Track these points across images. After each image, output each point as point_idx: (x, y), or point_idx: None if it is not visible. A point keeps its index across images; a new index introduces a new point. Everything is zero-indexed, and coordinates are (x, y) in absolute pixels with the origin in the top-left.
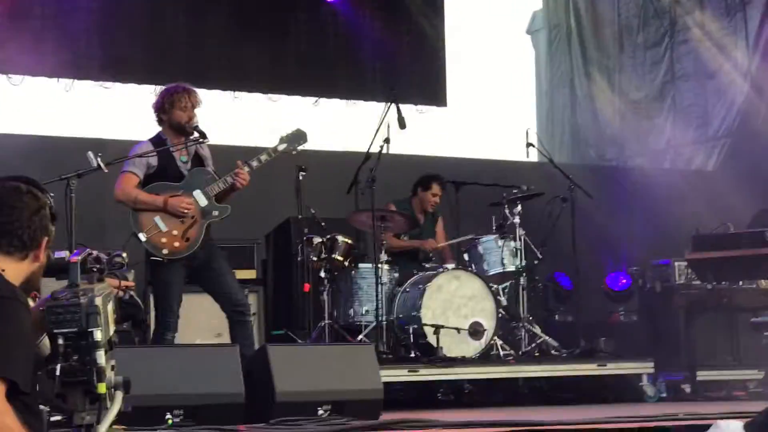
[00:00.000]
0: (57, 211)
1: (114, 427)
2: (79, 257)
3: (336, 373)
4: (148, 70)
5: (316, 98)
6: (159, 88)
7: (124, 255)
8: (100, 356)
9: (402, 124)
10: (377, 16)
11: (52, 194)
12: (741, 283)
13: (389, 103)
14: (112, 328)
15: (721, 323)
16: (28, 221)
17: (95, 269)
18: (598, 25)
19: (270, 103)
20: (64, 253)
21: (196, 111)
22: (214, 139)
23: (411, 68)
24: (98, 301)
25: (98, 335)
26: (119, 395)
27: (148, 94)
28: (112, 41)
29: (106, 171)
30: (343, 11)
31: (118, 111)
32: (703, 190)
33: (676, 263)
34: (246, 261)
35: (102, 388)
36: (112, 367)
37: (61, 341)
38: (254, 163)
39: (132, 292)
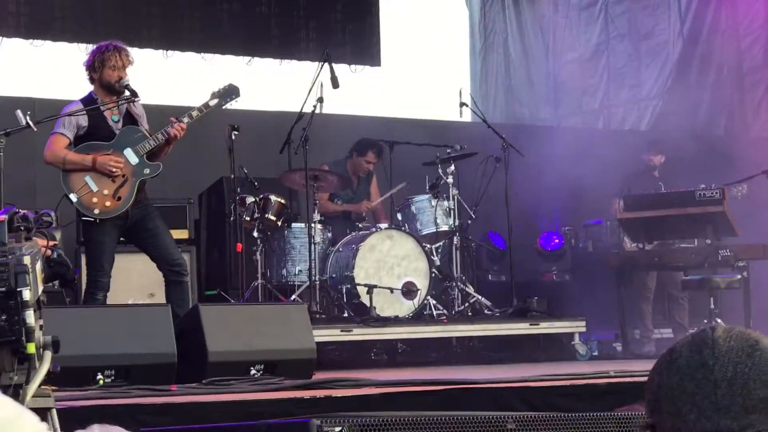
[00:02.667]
0: None
1: (43, 387)
2: (6, 216)
3: (268, 333)
4: (79, 29)
5: (250, 57)
6: (90, 47)
7: (53, 214)
8: (29, 316)
9: (335, 83)
10: None
11: None
12: (673, 240)
13: (322, 63)
14: (40, 288)
15: (658, 281)
16: None
17: (23, 228)
18: None
19: (203, 63)
20: None
21: (128, 70)
22: (145, 98)
23: (344, 27)
24: (26, 260)
25: (27, 295)
26: (48, 355)
27: (79, 52)
28: None
29: (35, 130)
30: None
31: (48, 70)
32: (635, 150)
33: (608, 223)
34: (178, 221)
35: (31, 348)
36: (41, 327)
37: None
38: (186, 119)
39: (60, 251)
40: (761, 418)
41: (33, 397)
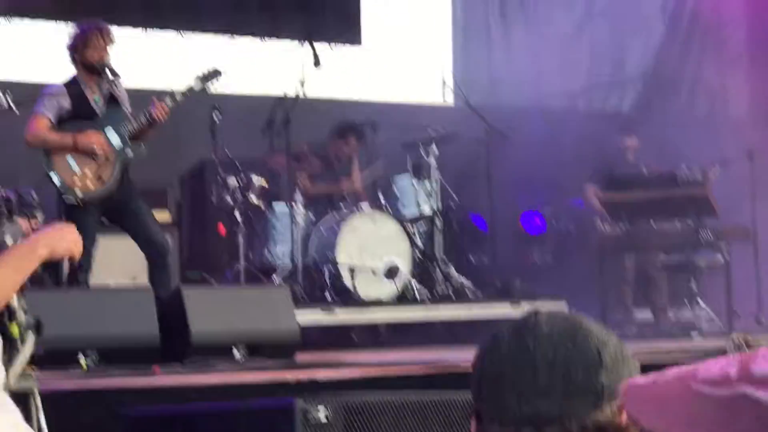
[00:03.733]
0: None
1: (26, 368)
2: None
3: (251, 314)
4: (57, 6)
5: (231, 35)
6: (69, 25)
7: (34, 194)
8: (12, 298)
9: (317, 62)
10: None
11: None
12: (654, 223)
13: (303, 42)
14: None
15: (636, 262)
16: None
17: (4, 209)
18: None
19: (182, 42)
20: None
21: (109, 49)
22: (126, 80)
23: (324, 3)
24: (8, 240)
25: None
26: (31, 337)
27: (57, 32)
28: None
29: (17, 113)
30: None
31: (26, 51)
32: (617, 130)
33: (588, 201)
34: (159, 203)
35: (14, 329)
36: (24, 309)
37: None
38: (169, 102)
39: None
40: (582, 402)
41: (16, 379)
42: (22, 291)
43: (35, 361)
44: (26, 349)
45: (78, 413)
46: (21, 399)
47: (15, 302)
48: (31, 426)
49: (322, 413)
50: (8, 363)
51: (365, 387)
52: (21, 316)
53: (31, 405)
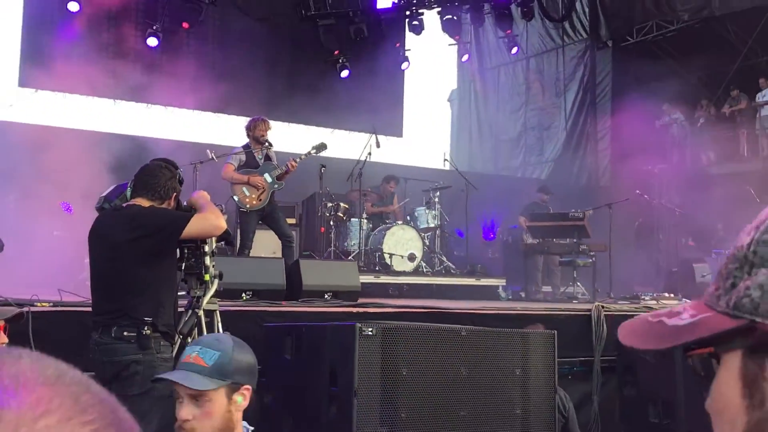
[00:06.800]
0: (184, 179)
1: (212, 298)
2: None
3: (335, 275)
4: (246, 105)
5: (331, 129)
6: (247, 118)
7: (223, 206)
8: (207, 259)
9: (378, 144)
10: (370, 84)
11: (181, 169)
12: (555, 239)
13: (372, 134)
14: (214, 244)
15: (544, 260)
16: (164, 183)
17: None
18: (487, 101)
19: (300, 128)
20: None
21: (267, 130)
22: (275, 147)
23: (384, 114)
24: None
25: (206, 248)
26: (215, 281)
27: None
28: (226, 85)
29: (216, 161)
30: (352, 82)
31: (223, 130)
32: (537, 189)
33: (520, 226)
34: (291, 214)
35: (206, 276)
36: (213, 266)
37: (186, 250)
38: (297, 160)
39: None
40: None
41: (206, 303)
42: (213, 254)
43: (218, 294)
44: (213, 287)
45: (238, 325)
46: (208, 314)
47: (208, 261)
48: (215, 331)
49: (370, 330)
50: (203, 295)
51: (393, 318)
52: (211, 269)
53: (215, 318)
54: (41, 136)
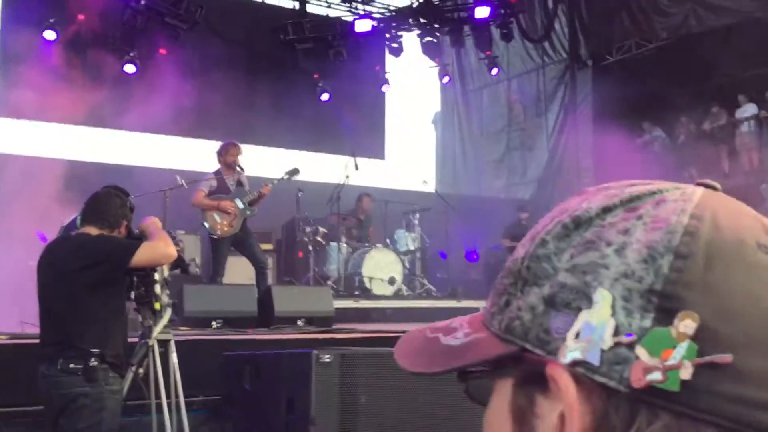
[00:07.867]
0: (135, 206)
1: (166, 327)
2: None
3: (309, 301)
4: (213, 132)
5: (309, 151)
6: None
7: (180, 238)
8: (157, 287)
9: (356, 167)
10: (351, 107)
11: (132, 197)
12: None
13: (352, 156)
14: (166, 272)
15: None
16: (114, 211)
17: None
18: (470, 122)
19: (275, 152)
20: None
21: (238, 155)
22: (246, 171)
23: (365, 137)
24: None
25: (156, 276)
26: (168, 310)
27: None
28: (204, 110)
29: (186, 187)
30: (332, 105)
31: (191, 153)
32: (518, 209)
33: (503, 247)
34: (267, 239)
35: (156, 305)
36: (168, 294)
37: (135, 278)
38: (270, 186)
39: (182, 254)
40: None
41: (159, 333)
42: (165, 282)
43: (185, 322)
44: (165, 317)
45: (198, 355)
46: (163, 344)
47: (158, 289)
48: (170, 361)
49: (327, 357)
50: (154, 326)
51: (357, 344)
52: (163, 298)
53: (169, 348)
54: (17, 165)
